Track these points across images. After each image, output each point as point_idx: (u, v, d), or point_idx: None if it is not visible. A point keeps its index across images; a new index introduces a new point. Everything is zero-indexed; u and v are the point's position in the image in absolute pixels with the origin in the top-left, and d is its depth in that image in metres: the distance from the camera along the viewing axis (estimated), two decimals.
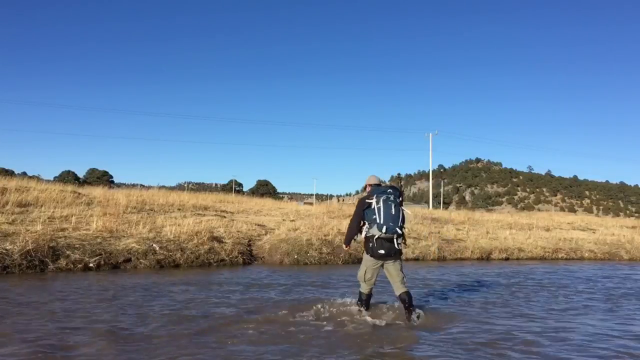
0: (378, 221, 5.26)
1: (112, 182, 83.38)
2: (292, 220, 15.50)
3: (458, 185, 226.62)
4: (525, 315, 6.15)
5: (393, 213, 5.28)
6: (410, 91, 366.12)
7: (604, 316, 6.32)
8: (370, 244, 5.35)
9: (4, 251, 8.28)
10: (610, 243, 18.83)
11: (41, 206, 12.58)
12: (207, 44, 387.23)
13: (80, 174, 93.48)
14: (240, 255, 11.01)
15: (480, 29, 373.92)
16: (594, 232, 22.60)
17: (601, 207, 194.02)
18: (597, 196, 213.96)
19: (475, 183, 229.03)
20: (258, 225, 14.16)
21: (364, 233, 5.46)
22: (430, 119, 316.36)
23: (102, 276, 8.24)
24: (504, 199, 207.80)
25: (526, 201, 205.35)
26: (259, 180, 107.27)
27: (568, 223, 25.90)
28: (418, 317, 5.41)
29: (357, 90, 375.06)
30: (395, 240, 5.31)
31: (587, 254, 17.04)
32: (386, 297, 6.80)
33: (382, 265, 5.47)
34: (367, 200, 5.46)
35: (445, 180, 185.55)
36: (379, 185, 5.71)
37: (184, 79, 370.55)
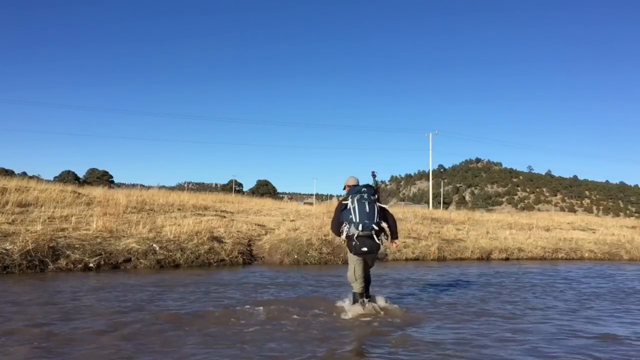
0: (354, 220, 5.49)
1: (112, 182, 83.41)
2: (292, 220, 15.51)
3: (458, 185, 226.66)
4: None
5: (367, 211, 5.50)
6: (410, 91, 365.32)
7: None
8: (353, 243, 5.54)
9: (4, 251, 8.29)
10: (610, 243, 18.83)
11: (41, 206, 12.58)
12: (207, 44, 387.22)
13: (80, 174, 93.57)
14: (240, 255, 11.01)
15: (480, 29, 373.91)
16: (594, 232, 22.60)
17: (601, 207, 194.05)
18: (597, 196, 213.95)
19: (475, 183, 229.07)
20: (258, 225, 14.16)
21: (344, 234, 5.64)
22: (430, 119, 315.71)
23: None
24: (504, 199, 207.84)
25: (526, 201, 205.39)
26: (259, 180, 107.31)
27: (568, 223, 25.90)
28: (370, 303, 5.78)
29: (357, 90, 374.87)
30: (375, 236, 5.50)
31: (587, 254, 17.05)
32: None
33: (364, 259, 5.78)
34: (343, 202, 5.73)
35: (445, 180, 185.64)
36: (356, 185, 5.88)
37: (184, 79, 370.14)
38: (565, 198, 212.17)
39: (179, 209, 15.62)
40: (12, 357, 3.92)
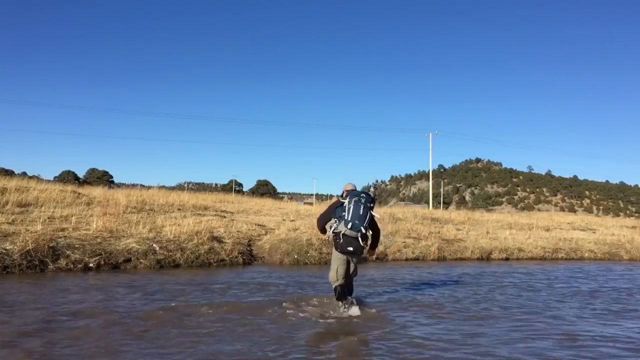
0: (346, 217, 5.66)
1: (112, 182, 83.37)
2: (292, 220, 15.50)
3: (458, 185, 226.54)
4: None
5: (360, 213, 5.68)
6: (410, 91, 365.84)
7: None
8: (339, 241, 5.69)
9: (4, 251, 8.28)
10: (610, 243, 18.83)
11: (41, 206, 12.58)
12: (207, 44, 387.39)
13: (80, 174, 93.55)
14: (240, 255, 11.01)
15: (480, 29, 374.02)
16: (594, 232, 22.60)
17: (601, 207, 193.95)
18: (597, 196, 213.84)
19: (475, 183, 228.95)
20: (258, 225, 14.15)
21: (332, 229, 5.81)
22: (430, 119, 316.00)
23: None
24: (504, 199, 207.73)
25: (526, 201, 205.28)
26: (259, 180, 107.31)
27: (568, 223, 25.89)
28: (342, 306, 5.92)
29: (357, 90, 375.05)
30: (360, 239, 5.65)
31: (587, 254, 17.04)
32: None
33: (348, 260, 5.94)
34: (341, 200, 5.97)
35: (445, 180, 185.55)
36: (354, 190, 6.14)
37: (183, 79, 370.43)
38: (565, 198, 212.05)
39: (179, 209, 15.62)
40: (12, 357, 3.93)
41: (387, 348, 4.55)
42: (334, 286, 5.96)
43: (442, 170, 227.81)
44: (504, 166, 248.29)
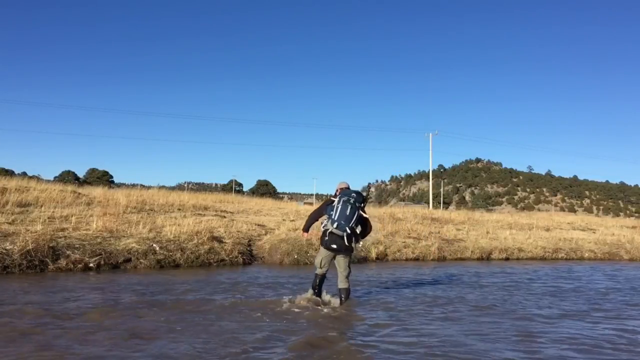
0: (333, 217, 6.06)
1: (112, 182, 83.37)
2: (292, 220, 15.50)
3: (458, 185, 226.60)
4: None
5: (347, 214, 6.02)
6: (410, 91, 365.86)
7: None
8: (325, 238, 6.13)
9: (4, 251, 8.28)
10: (610, 243, 18.83)
11: (41, 206, 12.58)
12: (207, 44, 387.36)
13: (80, 174, 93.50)
14: (240, 255, 11.01)
15: (479, 29, 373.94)
16: (594, 232, 22.60)
17: (601, 207, 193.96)
18: (597, 196, 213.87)
19: (475, 183, 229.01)
20: (258, 225, 14.16)
21: (322, 226, 6.23)
22: (430, 119, 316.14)
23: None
24: (504, 199, 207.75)
25: (526, 201, 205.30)
26: (259, 180, 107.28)
27: (568, 223, 25.89)
28: (330, 303, 6.19)
29: (357, 90, 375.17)
30: (345, 238, 5.98)
31: (587, 254, 17.04)
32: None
33: (334, 257, 6.25)
34: (332, 199, 6.33)
35: (445, 180, 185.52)
36: (347, 189, 6.43)
37: (183, 79, 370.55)
38: (565, 198, 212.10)
39: (179, 209, 15.61)
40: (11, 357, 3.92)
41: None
42: (315, 272, 6.36)
43: (442, 170, 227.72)
44: (504, 166, 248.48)
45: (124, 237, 10.25)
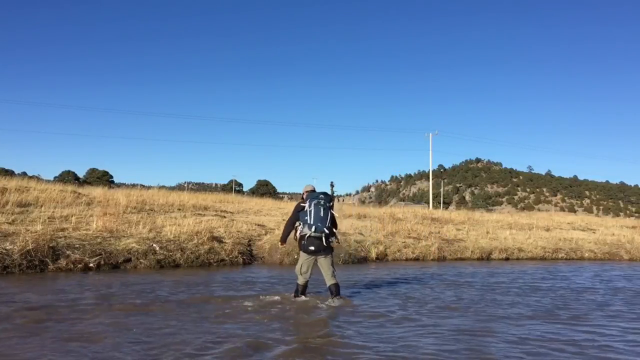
0: (309, 222, 6.20)
1: (112, 182, 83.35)
2: None
3: (458, 185, 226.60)
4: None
5: (322, 215, 6.23)
6: (410, 91, 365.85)
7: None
8: (303, 242, 6.28)
9: (4, 251, 8.28)
10: (610, 243, 18.84)
11: (41, 206, 12.58)
12: (207, 44, 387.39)
13: (80, 174, 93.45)
14: (240, 255, 11.02)
15: (479, 29, 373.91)
16: (594, 232, 22.61)
17: (601, 207, 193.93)
18: (597, 196, 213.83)
19: (475, 183, 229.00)
20: (258, 225, 14.16)
21: (298, 232, 6.37)
22: (430, 119, 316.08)
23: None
24: (504, 199, 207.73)
25: (526, 201, 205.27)
26: (259, 180, 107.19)
27: (568, 223, 25.90)
28: (333, 301, 6.23)
29: (357, 90, 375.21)
30: (323, 238, 6.18)
31: (587, 254, 17.05)
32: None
33: (316, 261, 6.36)
34: (302, 204, 6.47)
35: (445, 180, 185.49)
36: (314, 191, 6.63)
37: (184, 79, 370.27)
38: (565, 198, 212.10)
39: (179, 209, 15.62)
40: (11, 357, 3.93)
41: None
42: (296, 281, 6.51)
43: (442, 170, 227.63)
44: (504, 166, 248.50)
45: (124, 237, 10.25)
